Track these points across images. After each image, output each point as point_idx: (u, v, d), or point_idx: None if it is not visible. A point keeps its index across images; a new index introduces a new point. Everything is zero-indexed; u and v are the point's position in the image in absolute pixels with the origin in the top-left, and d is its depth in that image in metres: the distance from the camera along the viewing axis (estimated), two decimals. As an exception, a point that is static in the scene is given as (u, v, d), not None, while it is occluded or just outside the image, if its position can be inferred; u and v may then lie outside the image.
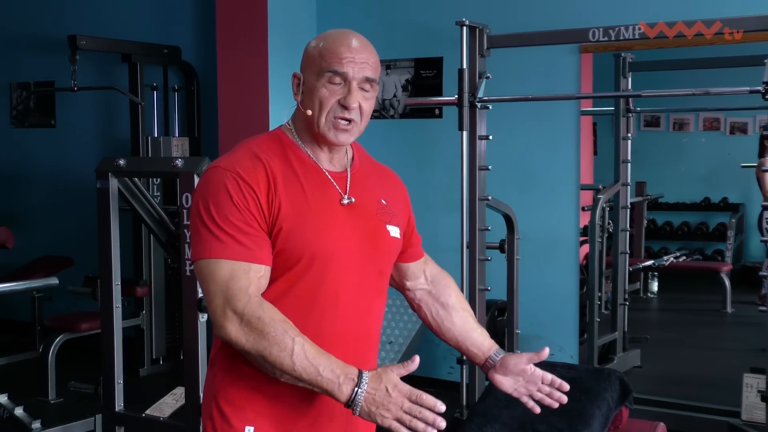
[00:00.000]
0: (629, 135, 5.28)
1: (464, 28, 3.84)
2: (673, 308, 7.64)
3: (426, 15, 5.25)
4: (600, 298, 5.22)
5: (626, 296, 5.39)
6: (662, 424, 3.46)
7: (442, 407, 1.60)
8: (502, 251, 4.14)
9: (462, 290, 3.93)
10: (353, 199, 1.81)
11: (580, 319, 4.98)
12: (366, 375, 1.63)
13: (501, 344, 4.48)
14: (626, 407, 3.38)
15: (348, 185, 1.82)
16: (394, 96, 5.38)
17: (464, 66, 3.86)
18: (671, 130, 8.67)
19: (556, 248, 4.93)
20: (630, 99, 5.22)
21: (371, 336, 1.87)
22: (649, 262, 7.20)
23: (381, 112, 5.40)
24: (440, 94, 5.17)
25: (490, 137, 3.92)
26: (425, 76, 5.29)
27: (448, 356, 5.23)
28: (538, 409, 1.95)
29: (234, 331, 1.64)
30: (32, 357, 5.65)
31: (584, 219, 5.05)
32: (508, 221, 4.13)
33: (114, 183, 3.81)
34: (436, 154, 5.18)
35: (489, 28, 3.93)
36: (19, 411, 4.41)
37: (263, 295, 1.70)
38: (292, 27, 5.37)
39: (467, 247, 3.92)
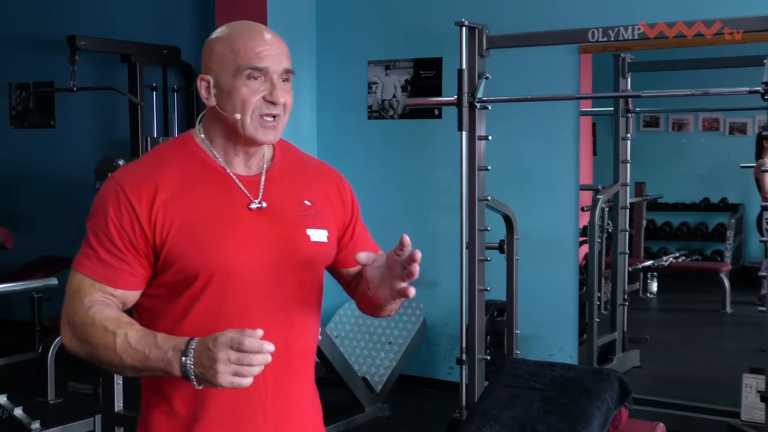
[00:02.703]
0: (628, 135, 5.28)
1: (463, 28, 3.84)
2: (673, 308, 7.64)
3: (425, 15, 5.25)
4: (599, 299, 5.22)
5: (625, 296, 5.39)
6: (661, 424, 3.46)
7: (270, 347, 1.44)
8: (502, 251, 4.14)
9: (461, 290, 3.94)
10: (264, 204, 1.68)
11: (580, 319, 4.98)
12: (194, 341, 1.49)
13: (500, 344, 4.50)
14: (625, 407, 3.38)
15: (261, 188, 1.70)
16: (394, 96, 5.38)
17: (463, 66, 3.86)
18: (670, 131, 8.67)
19: (555, 248, 4.93)
20: (629, 99, 5.22)
21: (296, 350, 1.71)
22: (649, 263, 7.20)
23: (380, 112, 5.40)
24: (439, 95, 5.17)
25: (490, 137, 3.92)
26: (424, 76, 5.29)
27: (447, 356, 5.23)
28: (411, 292, 1.57)
29: (68, 340, 1.61)
30: (32, 357, 5.64)
31: (584, 219, 5.05)
32: (508, 221, 4.13)
33: (113, 183, 3.81)
34: (435, 155, 5.18)
35: (488, 29, 3.93)
36: (18, 411, 4.41)
37: (169, 315, 1.65)
38: (292, 27, 5.37)
39: (467, 248, 3.92)
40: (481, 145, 3.92)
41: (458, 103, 3.87)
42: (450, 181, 4.59)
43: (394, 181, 5.31)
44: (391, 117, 5.40)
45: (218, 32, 1.71)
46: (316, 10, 5.56)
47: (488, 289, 3.99)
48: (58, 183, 6.60)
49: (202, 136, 1.72)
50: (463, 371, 3.97)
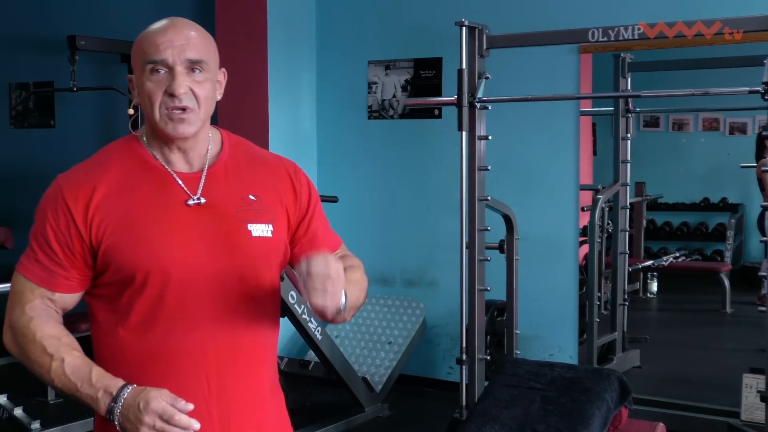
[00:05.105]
0: (628, 135, 5.28)
1: (464, 28, 3.84)
2: (673, 308, 7.64)
3: (425, 15, 5.25)
4: (599, 299, 5.22)
5: (626, 296, 5.39)
6: (661, 424, 3.46)
7: (196, 425, 1.51)
8: (502, 251, 4.13)
9: (461, 290, 3.94)
10: (203, 200, 1.65)
11: (580, 319, 4.98)
12: (127, 390, 1.53)
13: (500, 344, 4.50)
14: (626, 407, 3.38)
15: (201, 185, 1.67)
16: (394, 96, 5.37)
17: (464, 66, 3.86)
18: (671, 131, 8.67)
19: (555, 248, 4.93)
20: (629, 99, 5.22)
21: (243, 349, 1.68)
22: (649, 263, 7.20)
23: (380, 112, 5.40)
24: (439, 95, 5.17)
25: (490, 137, 3.92)
26: (424, 76, 5.28)
27: (447, 356, 5.23)
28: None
29: (8, 343, 1.66)
30: (32, 357, 5.64)
31: (584, 219, 5.05)
32: (508, 221, 4.13)
33: (113, 183, 3.81)
34: (435, 155, 5.18)
35: (488, 29, 3.93)
36: (18, 411, 4.41)
37: (114, 315, 1.65)
38: (292, 27, 5.37)
39: (467, 248, 3.92)
40: (481, 145, 3.92)
41: (458, 103, 3.87)
42: (450, 181, 4.59)
43: (394, 181, 5.30)
44: (391, 117, 5.40)
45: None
46: (316, 10, 5.55)
47: (488, 289, 3.99)
48: (58, 183, 6.60)
49: (143, 134, 1.71)
50: (463, 371, 3.97)
